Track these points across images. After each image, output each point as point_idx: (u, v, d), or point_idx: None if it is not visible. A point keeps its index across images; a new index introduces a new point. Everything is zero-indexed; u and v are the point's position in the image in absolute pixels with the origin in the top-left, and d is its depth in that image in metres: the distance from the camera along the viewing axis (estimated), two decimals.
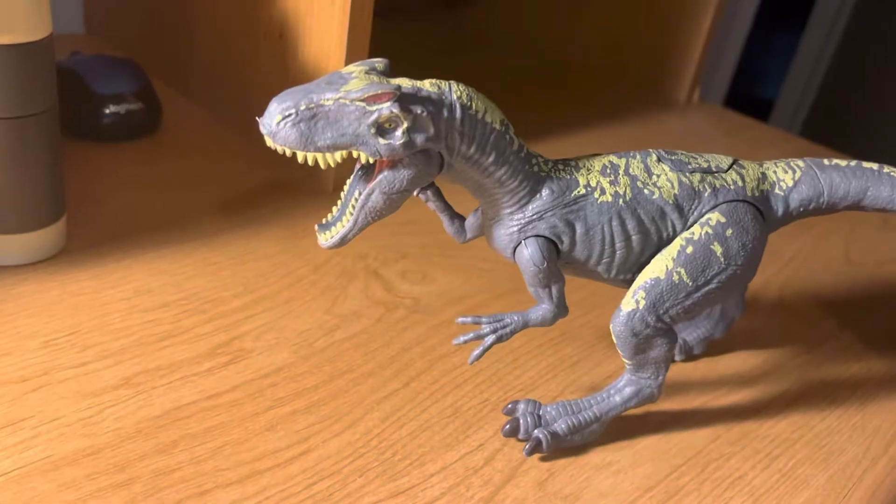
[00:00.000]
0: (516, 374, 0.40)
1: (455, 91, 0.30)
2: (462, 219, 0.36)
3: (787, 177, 0.35)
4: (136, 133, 0.54)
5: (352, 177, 0.31)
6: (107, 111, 0.53)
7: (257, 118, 0.29)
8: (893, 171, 0.35)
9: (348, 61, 0.48)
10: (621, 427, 0.37)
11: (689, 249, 0.32)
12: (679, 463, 0.36)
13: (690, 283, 0.32)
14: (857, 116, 1.50)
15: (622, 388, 0.35)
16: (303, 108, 0.28)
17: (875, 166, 0.35)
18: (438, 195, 0.35)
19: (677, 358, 0.42)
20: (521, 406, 0.35)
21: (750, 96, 1.55)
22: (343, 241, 0.31)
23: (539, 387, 0.39)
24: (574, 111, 0.74)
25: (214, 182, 0.52)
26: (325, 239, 0.31)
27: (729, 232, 0.33)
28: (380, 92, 0.28)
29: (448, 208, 0.35)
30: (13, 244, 0.40)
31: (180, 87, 0.62)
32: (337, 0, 0.47)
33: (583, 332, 0.43)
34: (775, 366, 0.43)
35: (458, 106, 0.29)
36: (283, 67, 0.52)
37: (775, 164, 0.35)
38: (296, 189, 0.52)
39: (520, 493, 0.33)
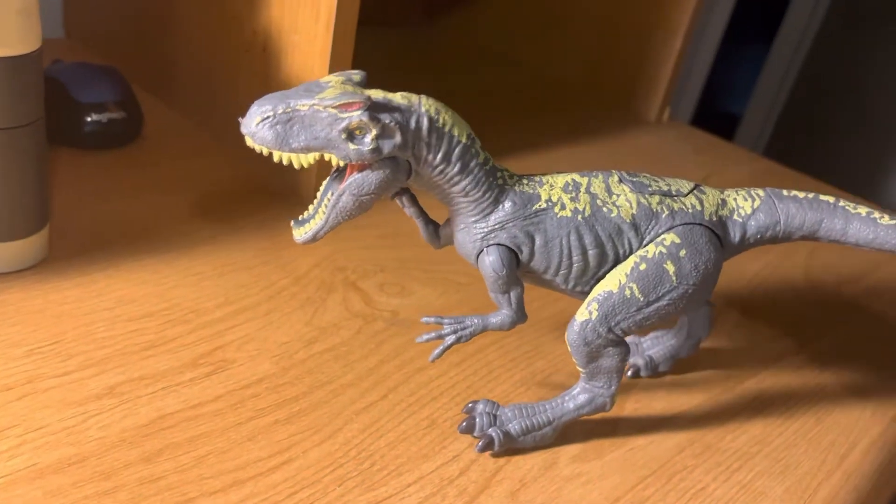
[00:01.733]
0: (490, 386, 0.41)
1: (424, 104, 0.32)
2: (437, 225, 0.37)
3: (746, 204, 0.36)
4: (118, 141, 0.55)
5: (328, 178, 0.33)
6: (88, 119, 0.53)
7: (239, 118, 0.31)
8: (849, 205, 0.37)
9: None
10: (590, 439, 0.39)
11: (643, 266, 0.34)
12: (645, 474, 0.37)
13: (642, 299, 0.34)
14: (823, 133, 1.54)
15: (576, 395, 0.36)
16: (280, 111, 0.30)
17: (832, 199, 0.37)
18: (413, 201, 0.36)
19: (643, 374, 0.43)
20: (480, 406, 0.37)
21: (717, 111, 1.59)
22: (315, 238, 0.33)
23: (513, 399, 0.40)
24: (545, 126, 0.75)
25: (195, 192, 0.52)
26: (299, 234, 0.33)
27: (682, 253, 0.34)
28: (351, 101, 0.30)
29: (423, 214, 0.37)
30: None
31: (161, 94, 0.63)
32: (321, 18, 0.48)
33: (555, 346, 0.45)
34: (737, 382, 0.45)
35: (425, 118, 0.31)
36: (264, 81, 0.53)
37: (736, 191, 0.37)
38: (277, 201, 0.53)
39: (493, 503, 0.34)
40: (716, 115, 1.55)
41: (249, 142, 0.31)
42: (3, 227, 0.40)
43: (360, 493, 0.34)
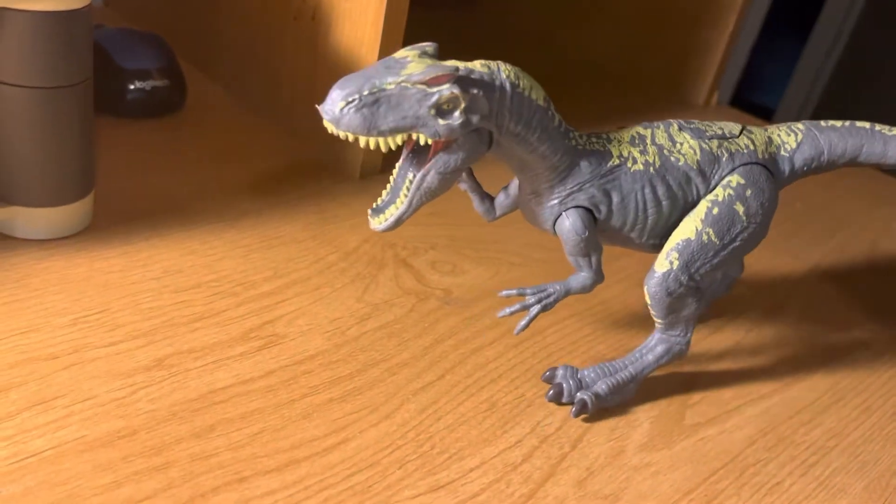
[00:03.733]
0: None
1: (504, 70, 0.31)
2: (491, 199, 0.37)
3: (790, 139, 0.37)
4: (160, 110, 0.53)
5: (400, 161, 0.31)
6: (132, 87, 0.51)
7: (317, 106, 0.29)
8: (885, 129, 0.37)
9: (382, 49, 0.47)
10: (658, 427, 0.37)
11: (716, 210, 0.34)
12: (717, 467, 0.35)
13: (718, 242, 0.34)
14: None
15: (654, 346, 0.37)
16: (366, 93, 0.28)
17: (867, 125, 0.37)
18: (471, 175, 0.37)
19: None
20: (560, 371, 0.37)
21: (751, 104, 1.56)
22: (398, 223, 0.32)
23: None
24: (589, 111, 0.73)
25: (239, 163, 0.51)
26: (379, 222, 0.32)
27: (748, 192, 0.35)
28: (440, 74, 0.28)
29: (479, 188, 0.37)
30: (42, 218, 0.39)
31: (202, 65, 0.61)
32: None
33: (615, 330, 0.43)
34: (807, 372, 0.43)
35: (507, 85, 0.30)
36: (312, 51, 0.51)
37: (778, 128, 0.38)
38: (322, 174, 0.51)
39: (560, 492, 0.32)
40: (749, 108, 1.52)
41: (332, 129, 0.28)
42: (50, 191, 0.38)
43: (421, 476, 0.32)
